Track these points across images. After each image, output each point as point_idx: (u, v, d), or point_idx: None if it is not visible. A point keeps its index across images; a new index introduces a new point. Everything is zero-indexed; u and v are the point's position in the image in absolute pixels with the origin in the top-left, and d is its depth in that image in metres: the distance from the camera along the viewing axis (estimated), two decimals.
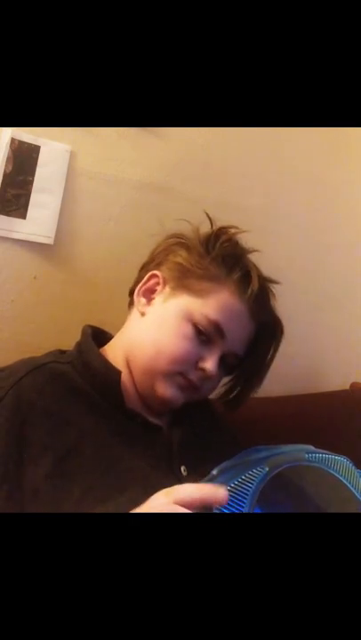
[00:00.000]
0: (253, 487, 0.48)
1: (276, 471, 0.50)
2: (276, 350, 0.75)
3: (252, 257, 0.74)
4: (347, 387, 1.27)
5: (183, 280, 0.69)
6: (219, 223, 0.76)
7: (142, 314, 0.71)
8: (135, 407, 0.69)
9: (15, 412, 0.59)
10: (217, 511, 0.46)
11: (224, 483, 0.48)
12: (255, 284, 0.69)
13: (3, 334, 0.82)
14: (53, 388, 0.63)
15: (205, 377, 0.68)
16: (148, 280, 0.72)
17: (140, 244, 0.93)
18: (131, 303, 0.75)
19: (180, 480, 0.64)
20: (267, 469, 0.50)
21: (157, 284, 0.71)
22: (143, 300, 0.72)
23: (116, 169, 0.89)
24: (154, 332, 0.68)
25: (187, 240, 0.73)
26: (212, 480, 0.50)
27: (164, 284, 0.71)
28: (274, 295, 0.74)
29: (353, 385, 1.27)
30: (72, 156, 0.83)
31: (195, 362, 0.67)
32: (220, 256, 0.70)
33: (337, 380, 1.28)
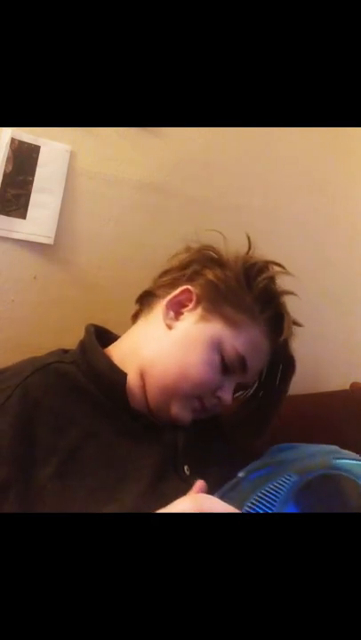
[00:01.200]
0: (281, 497, 0.47)
1: (304, 480, 0.49)
2: (288, 386, 0.75)
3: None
4: (347, 387, 1.27)
5: (218, 305, 0.68)
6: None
7: (169, 327, 0.69)
8: (140, 408, 0.68)
9: (22, 411, 0.59)
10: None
11: (250, 489, 0.48)
12: (288, 332, 0.69)
13: (3, 334, 0.82)
14: (58, 387, 0.63)
15: (220, 404, 0.68)
16: (181, 294, 0.70)
17: (140, 244, 0.94)
18: (143, 304, 0.74)
19: (183, 480, 0.64)
20: (294, 479, 0.49)
21: (189, 300, 0.69)
22: (172, 314, 0.69)
23: (116, 169, 0.89)
24: (181, 352, 0.67)
25: (224, 259, 0.72)
26: (237, 483, 0.49)
27: (197, 302, 0.69)
28: (294, 334, 0.73)
29: (353, 385, 1.27)
30: (72, 156, 0.83)
31: (214, 390, 0.67)
32: (259, 291, 0.69)
33: (337, 380, 1.28)
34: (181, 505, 0.46)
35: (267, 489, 0.48)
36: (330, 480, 0.51)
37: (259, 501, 0.47)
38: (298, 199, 1.19)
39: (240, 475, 0.50)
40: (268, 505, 0.47)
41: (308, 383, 1.21)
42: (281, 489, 0.48)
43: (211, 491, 0.55)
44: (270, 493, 0.47)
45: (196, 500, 0.45)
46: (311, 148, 1.19)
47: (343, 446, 0.60)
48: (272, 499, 0.47)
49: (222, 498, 0.49)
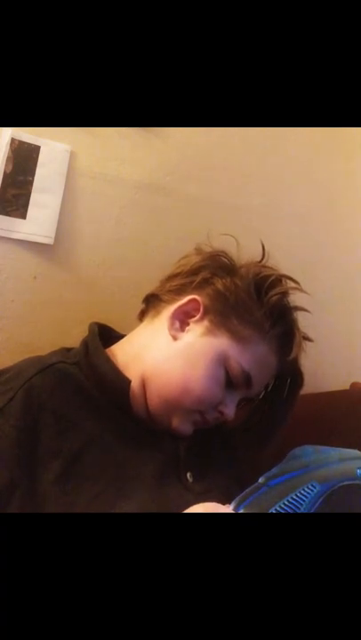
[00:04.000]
0: (303, 508, 0.46)
1: (327, 491, 0.48)
2: (296, 399, 0.73)
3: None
4: (347, 387, 1.27)
5: (225, 318, 0.66)
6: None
7: (174, 338, 0.67)
8: (142, 413, 0.67)
9: (26, 412, 0.58)
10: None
11: (271, 499, 0.47)
12: (298, 350, 0.67)
13: (3, 334, 0.82)
14: (62, 389, 0.62)
15: (222, 418, 0.67)
16: (187, 304, 0.67)
17: (140, 244, 0.93)
18: (149, 306, 0.72)
19: (186, 487, 0.63)
20: (318, 489, 0.48)
21: (196, 310, 0.67)
22: (177, 324, 0.67)
23: (116, 169, 0.89)
24: (185, 366, 0.65)
25: (236, 267, 0.69)
26: (258, 488, 0.49)
27: (204, 314, 0.67)
28: (304, 350, 0.71)
29: (353, 385, 1.27)
30: (72, 155, 0.83)
31: (216, 404, 0.66)
32: (270, 305, 0.67)
33: (337, 380, 1.27)
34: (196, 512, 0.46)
35: (289, 499, 0.47)
36: (353, 490, 0.50)
37: (280, 512, 0.46)
38: (298, 199, 1.19)
39: (260, 480, 0.49)
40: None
41: (309, 383, 1.21)
42: (304, 499, 0.47)
43: (215, 498, 0.54)
44: (292, 503, 0.47)
45: (206, 508, 0.45)
46: (311, 147, 1.19)
47: (343, 447, 0.60)
48: (294, 510, 0.47)
49: (241, 505, 0.48)
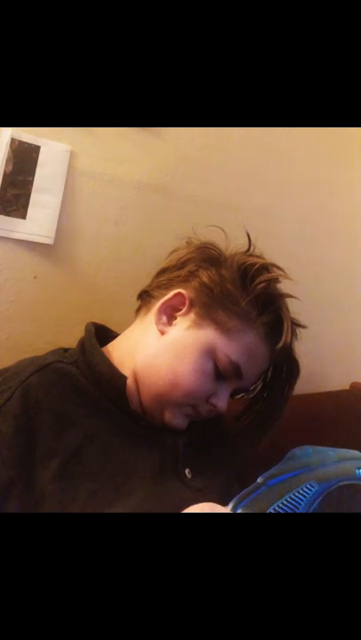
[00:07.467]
0: (302, 508, 0.46)
1: (325, 492, 0.48)
2: (292, 389, 0.72)
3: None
4: (347, 387, 1.27)
5: (211, 310, 0.66)
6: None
7: (162, 332, 0.67)
8: (139, 410, 0.67)
9: (23, 412, 0.58)
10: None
11: (270, 499, 0.47)
12: (288, 337, 0.66)
13: (3, 334, 0.82)
14: (59, 388, 0.62)
15: (215, 411, 0.67)
16: (173, 298, 0.68)
17: (140, 244, 0.94)
18: (142, 305, 0.73)
19: (184, 483, 0.63)
20: (316, 489, 0.48)
21: (182, 304, 0.67)
22: (165, 319, 0.68)
23: (116, 169, 0.89)
24: (173, 360, 0.65)
25: (222, 258, 0.69)
26: (256, 488, 0.49)
27: (190, 307, 0.67)
28: (297, 336, 0.70)
29: (353, 385, 1.28)
30: (72, 156, 0.83)
31: (207, 397, 0.66)
32: (256, 293, 0.66)
33: (337, 380, 1.28)
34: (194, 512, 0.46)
35: (287, 499, 0.47)
36: (352, 490, 0.50)
37: (278, 512, 0.46)
38: (298, 199, 1.19)
39: (259, 480, 0.49)
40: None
41: (308, 383, 1.21)
42: (302, 499, 0.47)
43: (214, 497, 0.54)
44: (290, 503, 0.47)
45: (203, 508, 0.45)
46: (311, 148, 1.19)
47: (344, 446, 0.60)
48: (293, 510, 0.47)
49: (240, 505, 0.48)
